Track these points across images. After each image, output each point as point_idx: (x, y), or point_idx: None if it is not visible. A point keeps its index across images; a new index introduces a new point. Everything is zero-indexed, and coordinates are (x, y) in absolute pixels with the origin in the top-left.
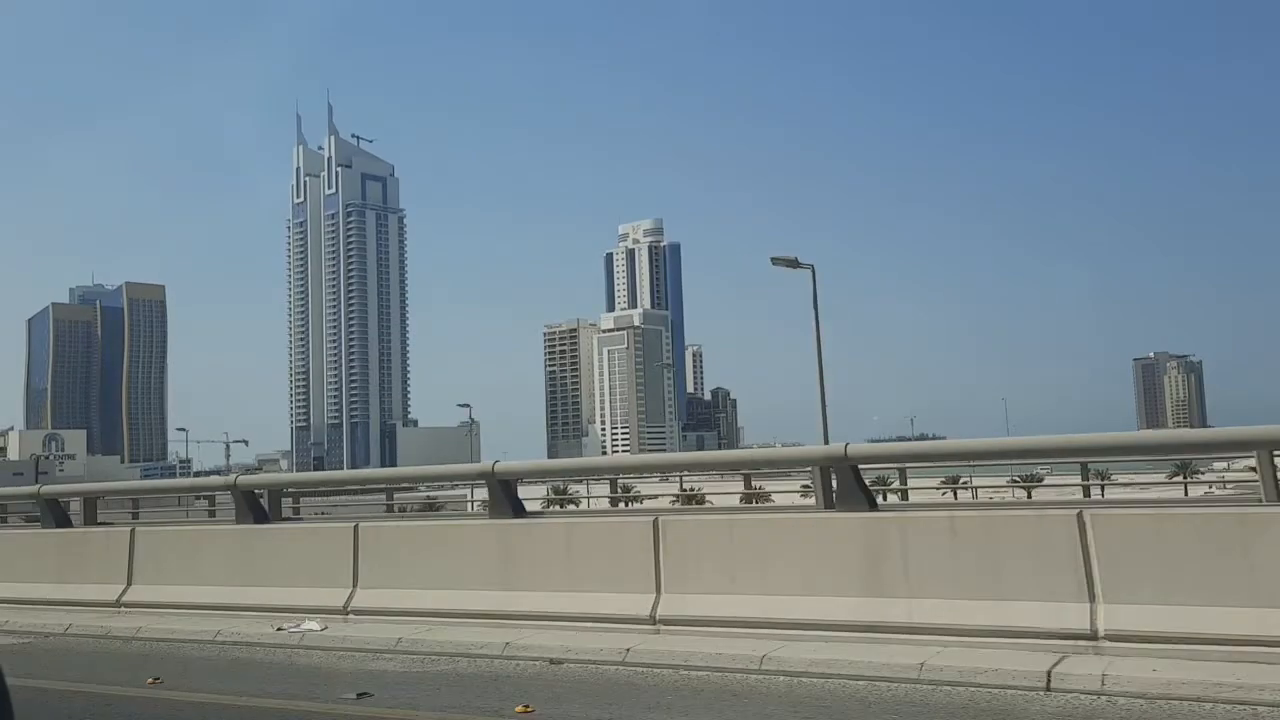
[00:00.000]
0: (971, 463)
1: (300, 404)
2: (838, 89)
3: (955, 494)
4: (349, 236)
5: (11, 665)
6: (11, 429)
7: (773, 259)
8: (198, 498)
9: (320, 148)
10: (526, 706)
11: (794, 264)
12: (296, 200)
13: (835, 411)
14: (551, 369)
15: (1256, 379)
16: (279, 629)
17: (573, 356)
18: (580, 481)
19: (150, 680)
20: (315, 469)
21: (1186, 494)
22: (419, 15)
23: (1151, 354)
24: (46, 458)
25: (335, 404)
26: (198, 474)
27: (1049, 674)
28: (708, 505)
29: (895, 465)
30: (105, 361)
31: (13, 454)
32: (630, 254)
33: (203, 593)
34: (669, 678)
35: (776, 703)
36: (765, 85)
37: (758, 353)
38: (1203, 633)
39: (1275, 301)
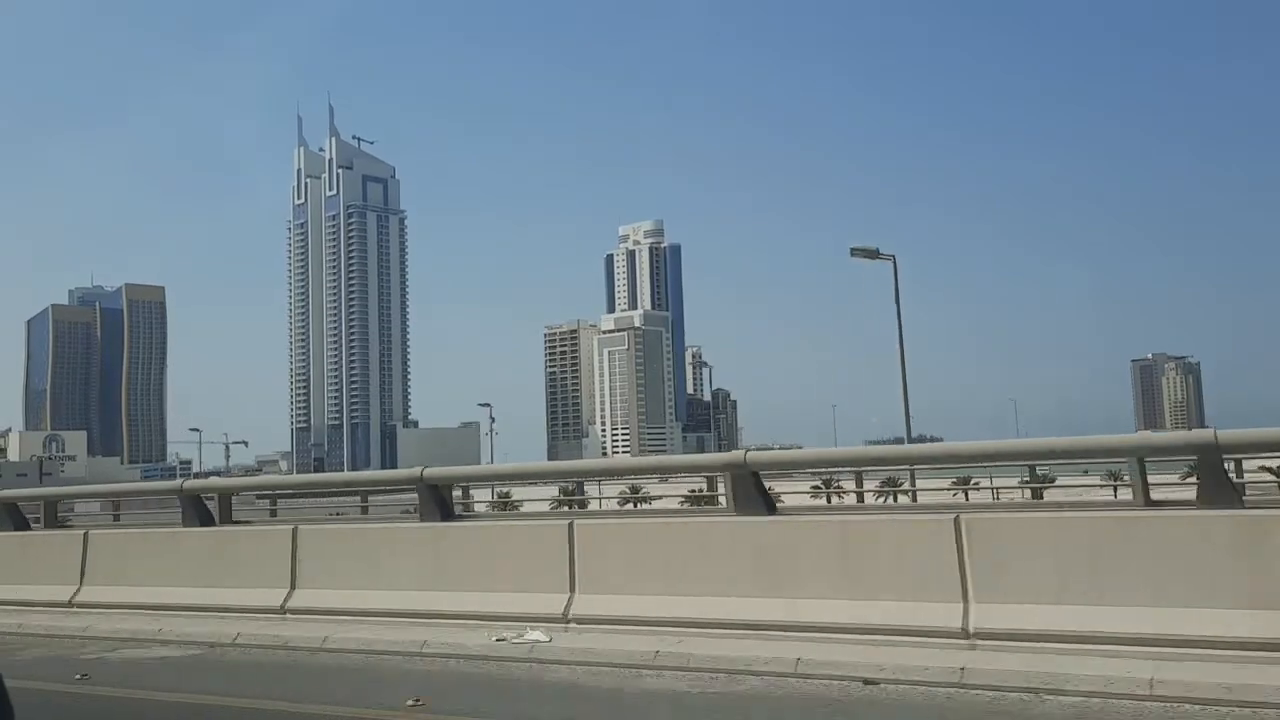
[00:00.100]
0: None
1: (300, 405)
2: (838, 89)
3: (966, 495)
4: (350, 238)
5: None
6: (10, 430)
7: (852, 250)
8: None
9: (321, 149)
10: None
11: (874, 254)
12: (297, 202)
13: (835, 412)
14: (552, 370)
15: (1255, 380)
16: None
17: (573, 357)
18: (596, 483)
19: (412, 702)
20: (316, 470)
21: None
22: (419, 16)
23: (1150, 355)
24: (51, 459)
25: (335, 405)
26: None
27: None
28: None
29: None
30: (105, 363)
31: (13, 455)
32: (631, 255)
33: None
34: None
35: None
36: (765, 85)
37: (758, 353)
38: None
39: (1274, 302)
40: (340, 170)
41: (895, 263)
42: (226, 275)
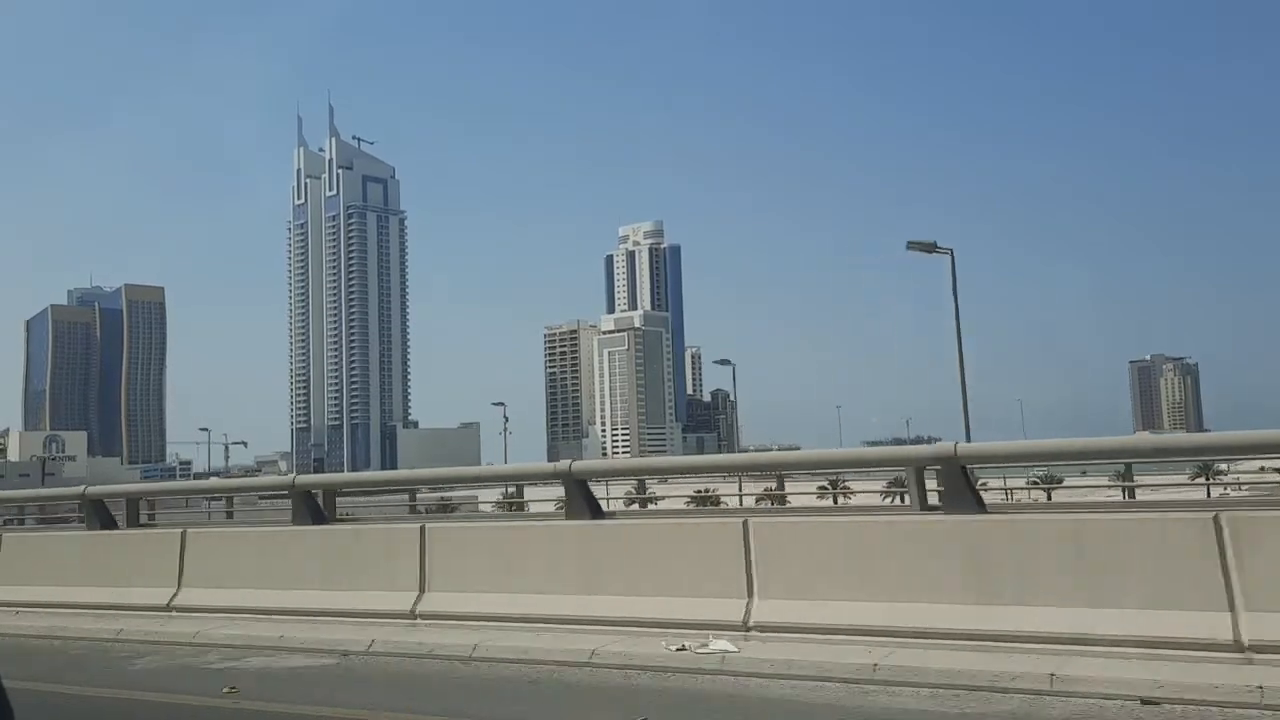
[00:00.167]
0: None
1: (300, 405)
2: (838, 89)
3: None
4: (350, 238)
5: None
6: (8, 430)
7: (909, 244)
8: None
9: (321, 149)
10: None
11: (931, 248)
12: (297, 202)
13: (833, 412)
14: (552, 370)
15: (1254, 381)
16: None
17: (573, 358)
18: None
19: None
20: (315, 471)
21: (1209, 494)
22: (419, 16)
23: (1148, 356)
24: (53, 459)
25: (335, 405)
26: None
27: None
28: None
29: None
30: (104, 363)
31: (12, 455)
32: (631, 255)
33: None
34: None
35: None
36: (765, 85)
37: (758, 353)
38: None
39: (1273, 303)
40: (340, 170)
41: (953, 256)
42: (226, 275)
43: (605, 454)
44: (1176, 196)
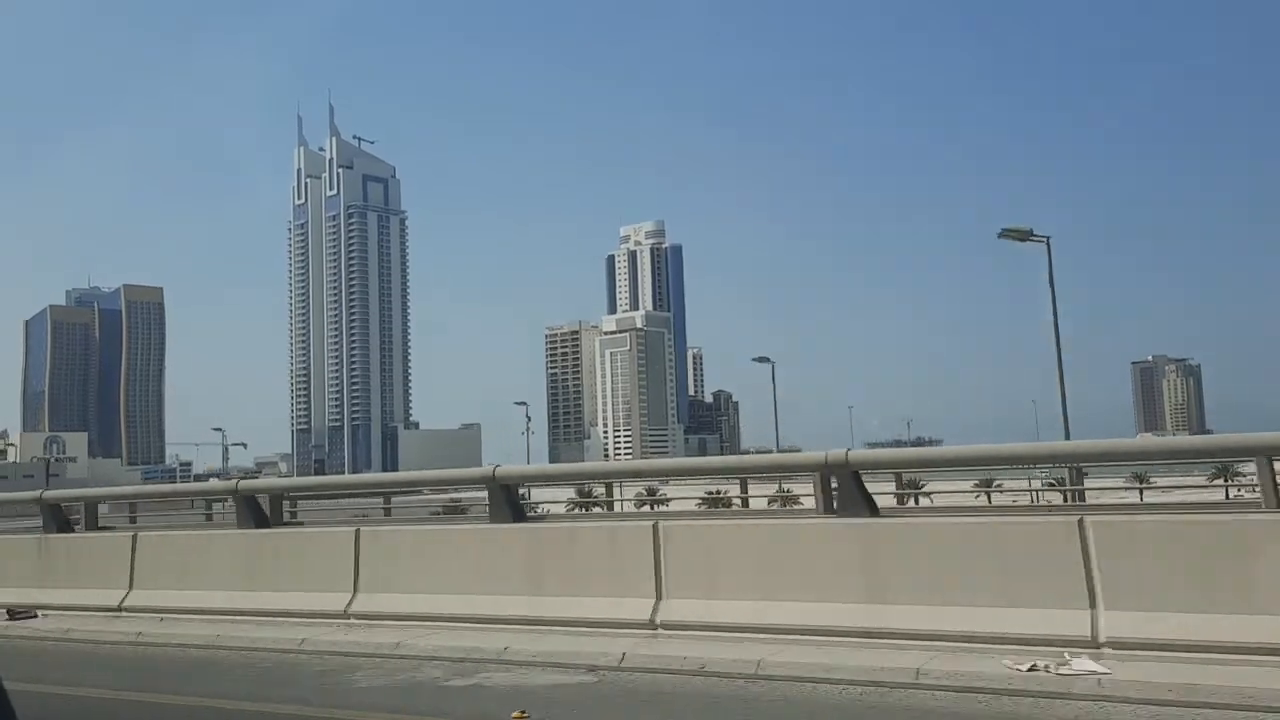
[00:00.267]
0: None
1: (301, 406)
2: (838, 89)
3: (990, 497)
4: (350, 238)
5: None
6: (6, 431)
7: (1002, 230)
8: None
9: (321, 149)
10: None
11: (1026, 236)
12: (297, 202)
13: (833, 413)
14: (553, 371)
15: (1256, 382)
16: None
17: (575, 358)
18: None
19: None
20: (316, 472)
21: (1228, 496)
22: (419, 16)
23: (1150, 357)
24: (55, 460)
25: (336, 406)
26: (197, 477)
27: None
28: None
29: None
30: (103, 364)
31: (12, 456)
32: (632, 256)
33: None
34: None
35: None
36: (765, 85)
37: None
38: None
39: (1275, 304)
40: (340, 170)
41: (1049, 245)
42: (226, 275)
43: (608, 456)
44: (1176, 197)
